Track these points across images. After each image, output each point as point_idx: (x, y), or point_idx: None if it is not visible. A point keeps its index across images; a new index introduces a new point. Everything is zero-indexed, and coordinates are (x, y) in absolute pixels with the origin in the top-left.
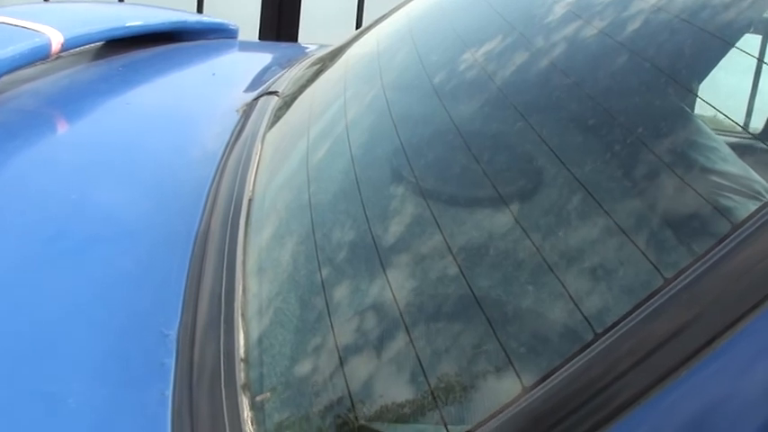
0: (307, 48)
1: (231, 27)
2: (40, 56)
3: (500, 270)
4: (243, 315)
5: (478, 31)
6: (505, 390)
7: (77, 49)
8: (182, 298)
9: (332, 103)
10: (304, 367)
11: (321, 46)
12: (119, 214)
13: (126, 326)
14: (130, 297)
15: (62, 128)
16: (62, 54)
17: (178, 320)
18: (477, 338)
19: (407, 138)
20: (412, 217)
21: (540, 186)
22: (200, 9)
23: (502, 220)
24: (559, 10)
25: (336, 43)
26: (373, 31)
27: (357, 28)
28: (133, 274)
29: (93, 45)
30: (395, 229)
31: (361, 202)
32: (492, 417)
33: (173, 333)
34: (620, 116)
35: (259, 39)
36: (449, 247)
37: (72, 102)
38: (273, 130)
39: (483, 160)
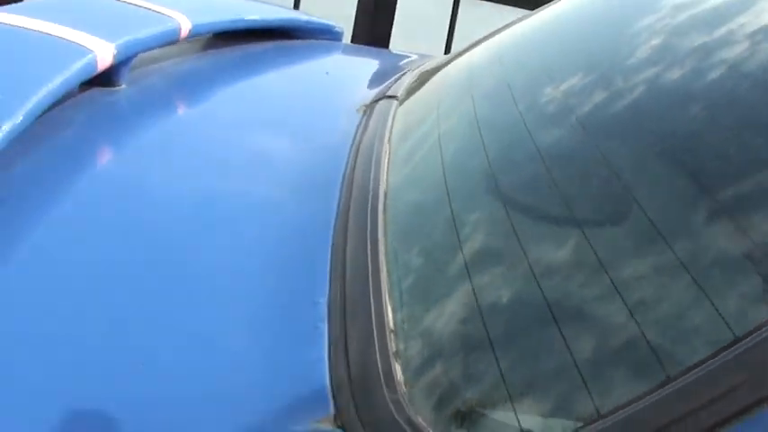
0: (408, 56)
1: (337, 29)
2: (170, 40)
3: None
4: (390, 293)
5: (611, 46)
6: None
7: (200, 37)
8: (328, 274)
9: (461, 109)
10: (447, 340)
11: (422, 56)
12: (252, 200)
13: (278, 292)
14: (280, 268)
15: (193, 111)
16: (188, 39)
17: (327, 292)
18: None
19: (544, 146)
20: (548, 210)
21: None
22: (296, 7)
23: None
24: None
25: (445, 54)
26: (494, 40)
27: (449, 33)
28: (280, 251)
29: (214, 33)
30: (530, 218)
31: (499, 198)
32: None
33: (323, 301)
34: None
35: (352, 39)
36: (591, 247)
37: (200, 86)
38: (398, 132)
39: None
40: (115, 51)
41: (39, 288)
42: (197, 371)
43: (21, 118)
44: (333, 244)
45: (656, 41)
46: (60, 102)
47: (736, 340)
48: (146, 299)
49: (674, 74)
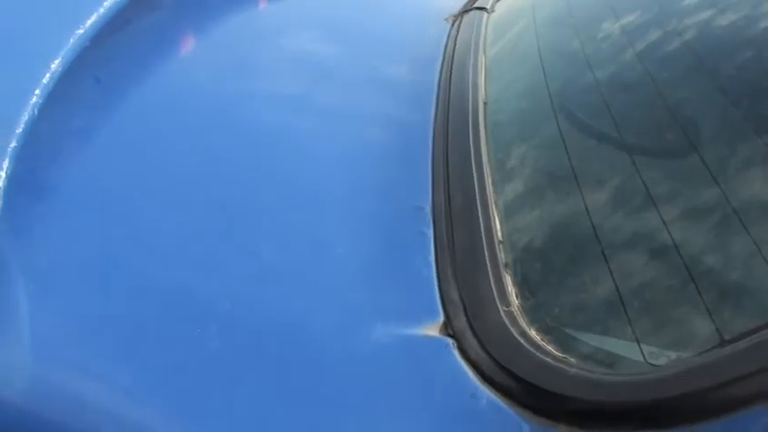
0: None
1: None
2: None
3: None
4: (496, 205)
5: None
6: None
7: None
8: (431, 181)
9: (559, 22)
10: (555, 254)
11: None
12: (351, 104)
13: (381, 196)
14: (380, 171)
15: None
16: None
17: (430, 198)
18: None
19: (649, 53)
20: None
21: None
22: None
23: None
24: None
25: None
26: None
27: None
28: (379, 153)
29: None
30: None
31: (603, 99)
32: None
33: (427, 208)
34: None
35: None
36: (709, 171)
37: None
38: (492, 42)
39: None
40: None
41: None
42: (309, 273)
43: None
44: (433, 152)
45: None
46: None
47: None
48: (263, 207)
49: None
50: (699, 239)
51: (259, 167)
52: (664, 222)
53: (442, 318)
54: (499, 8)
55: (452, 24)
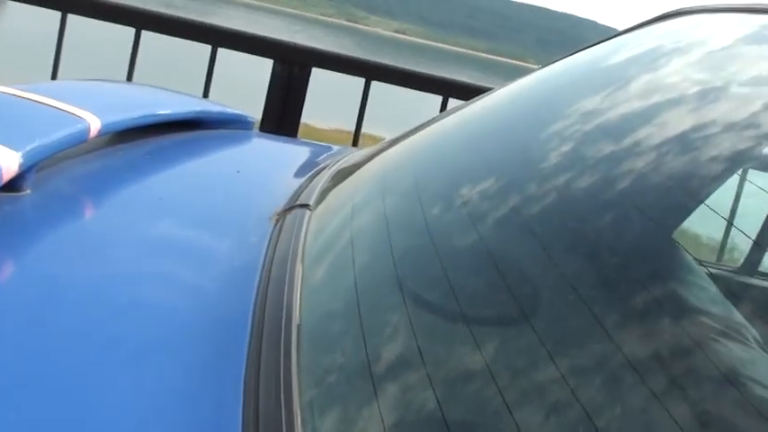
0: (323, 148)
1: (249, 119)
2: (79, 141)
3: None
4: None
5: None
6: None
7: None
8: (240, 424)
9: (373, 224)
10: None
11: (338, 148)
12: (154, 327)
13: None
14: (185, 418)
15: (99, 220)
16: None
17: None
18: None
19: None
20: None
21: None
22: (206, 94)
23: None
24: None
25: (358, 151)
26: (407, 141)
27: (358, 117)
28: (185, 394)
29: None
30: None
31: (418, 334)
32: None
33: None
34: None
35: (261, 124)
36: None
37: (105, 189)
38: (312, 248)
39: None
40: (21, 160)
41: None
42: None
43: None
44: (244, 392)
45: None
46: None
47: None
48: None
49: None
50: None
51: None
52: None
53: None
54: (324, 200)
55: (274, 226)
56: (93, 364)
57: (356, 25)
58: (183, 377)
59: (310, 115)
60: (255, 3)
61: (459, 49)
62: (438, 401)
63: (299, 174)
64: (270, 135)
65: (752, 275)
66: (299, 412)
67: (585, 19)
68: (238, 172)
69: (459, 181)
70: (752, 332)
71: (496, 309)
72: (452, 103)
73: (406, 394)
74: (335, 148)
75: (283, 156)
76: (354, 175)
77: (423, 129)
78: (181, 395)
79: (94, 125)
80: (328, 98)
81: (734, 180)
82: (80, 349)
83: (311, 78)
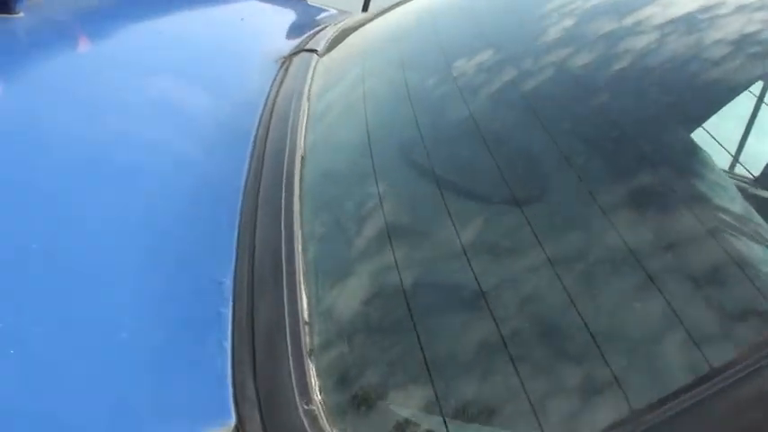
0: (326, 10)
1: None
2: None
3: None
4: (305, 277)
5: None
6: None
7: None
8: (235, 248)
9: (386, 69)
10: (369, 337)
11: (341, 12)
12: (159, 159)
13: (177, 268)
14: (181, 241)
15: (92, 52)
16: None
17: (232, 270)
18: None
19: (476, 115)
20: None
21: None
22: None
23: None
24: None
25: (363, 11)
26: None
27: None
28: (180, 215)
29: None
30: (461, 188)
31: (428, 161)
32: None
33: (227, 281)
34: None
35: None
36: (538, 241)
37: (103, 23)
38: (319, 88)
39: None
40: None
41: None
42: (82, 364)
43: None
44: (241, 214)
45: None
46: None
47: None
48: (34, 279)
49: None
50: (525, 325)
51: (30, 234)
52: (492, 314)
53: (233, 420)
54: (333, 49)
55: (280, 67)
56: (87, 182)
57: None
58: (176, 212)
59: None
60: None
61: None
62: (458, 283)
63: (305, 27)
64: None
65: None
66: (299, 240)
67: None
68: (242, 20)
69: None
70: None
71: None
72: None
73: (407, 235)
74: (335, 11)
75: (289, 12)
76: (364, 29)
77: None
78: (174, 225)
79: None
80: None
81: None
82: (73, 171)
83: None
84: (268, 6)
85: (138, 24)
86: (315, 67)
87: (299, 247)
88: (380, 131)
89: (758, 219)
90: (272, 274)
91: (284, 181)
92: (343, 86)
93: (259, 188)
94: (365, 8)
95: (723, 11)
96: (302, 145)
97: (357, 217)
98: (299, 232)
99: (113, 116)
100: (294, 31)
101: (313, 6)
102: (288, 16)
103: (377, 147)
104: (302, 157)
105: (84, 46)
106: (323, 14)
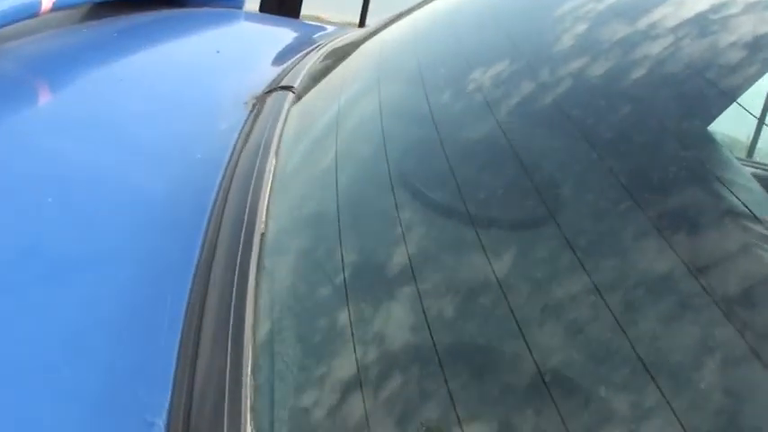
0: (319, 28)
1: None
2: (29, 13)
3: None
4: (252, 414)
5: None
6: None
7: (69, 9)
8: (171, 377)
9: (365, 113)
10: None
11: (335, 29)
12: (99, 227)
13: (98, 411)
14: (109, 368)
15: (44, 100)
16: (52, 12)
17: (168, 401)
18: None
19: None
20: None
21: None
22: None
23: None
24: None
25: (352, 31)
26: (403, 22)
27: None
28: (112, 336)
29: (86, 4)
30: (441, 266)
31: (405, 245)
32: None
33: (160, 422)
34: None
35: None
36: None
37: (58, 71)
38: (291, 139)
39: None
40: None
41: None
42: None
43: None
44: (183, 328)
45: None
46: None
47: None
48: None
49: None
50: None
51: None
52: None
53: None
54: (313, 86)
55: (250, 112)
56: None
57: None
58: (118, 297)
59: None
60: None
61: None
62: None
63: (287, 55)
64: (260, 15)
65: None
66: (249, 352)
67: None
68: (218, 52)
69: (471, 62)
70: None
71: (502, 209)
72: None
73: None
74: (330, 28)
75: (272, 36)
76: (349, 56)
77: (426, 4)
78: (101, 347)
79: None
80: None
81: None
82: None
83: None
84: (255, 28)
85: (97, 71)
86: (288, 111)
87: (247, 374)
88: (356, 197)
89: None
90: (215, 404)
91: (236, 278)
92: (318, 136)
93: (207, 289)
94: (362, 23)
95: None
96: (263, 219)
97: (324, 331)
98: (249, 354)
99: (34, 198)
100: (278, 59)
101: (307, 24)
102: (274, 40)
103: (351, 222)
104: (262, 235)
105: (33, 102)
106: (317, 34)
